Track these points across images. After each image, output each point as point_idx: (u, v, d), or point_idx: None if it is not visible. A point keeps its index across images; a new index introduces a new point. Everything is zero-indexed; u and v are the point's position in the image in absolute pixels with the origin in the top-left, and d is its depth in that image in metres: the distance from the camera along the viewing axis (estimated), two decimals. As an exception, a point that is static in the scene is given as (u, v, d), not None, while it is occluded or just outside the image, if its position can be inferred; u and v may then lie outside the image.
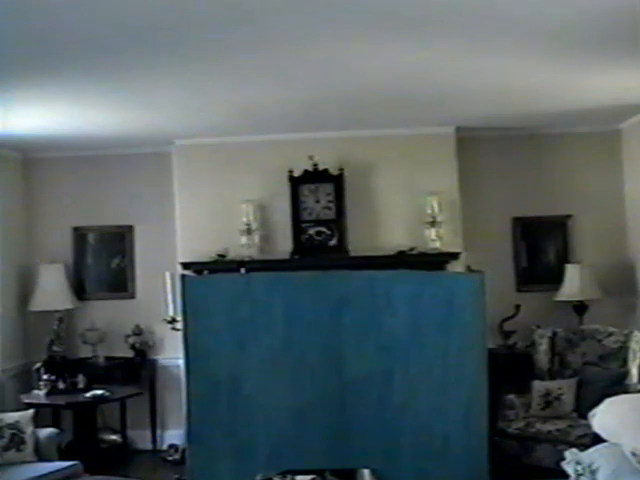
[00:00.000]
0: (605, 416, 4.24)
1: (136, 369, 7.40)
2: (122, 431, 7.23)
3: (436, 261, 6.85)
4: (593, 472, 3.78)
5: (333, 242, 7.14)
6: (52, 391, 6.64)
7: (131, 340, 7.44)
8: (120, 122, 6.36)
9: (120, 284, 7.70)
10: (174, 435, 7.14)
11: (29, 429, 5.48)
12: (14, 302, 7.41)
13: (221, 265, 6.94)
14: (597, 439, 4.23)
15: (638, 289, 7.14)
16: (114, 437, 7.29)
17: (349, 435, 3.85)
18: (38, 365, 7.09)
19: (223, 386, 3.86)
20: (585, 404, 5.52)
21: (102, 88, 5.19)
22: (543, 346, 6.65)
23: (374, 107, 6.23)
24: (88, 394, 6.58)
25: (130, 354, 7.45)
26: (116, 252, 7.73)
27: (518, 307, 7.13)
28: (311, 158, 7.04)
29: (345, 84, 5.36)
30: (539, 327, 6.86)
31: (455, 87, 5.57)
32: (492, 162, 7.45)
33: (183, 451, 6.29)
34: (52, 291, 7.31)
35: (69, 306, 7.41)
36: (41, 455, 5.47)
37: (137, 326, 7.46)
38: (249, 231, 7.03)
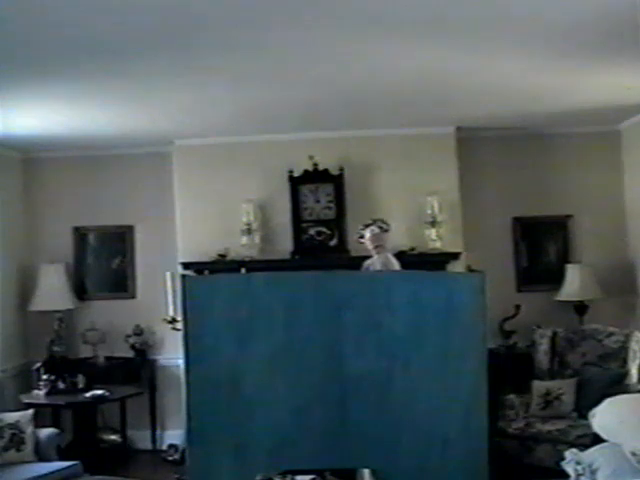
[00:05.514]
0: (605, 416, 4.25)
1: (136, 369, 7.40)
2: (122, 431, 7.23)
3: (436, 261, 6.85)
4: (593, 472, 3.79)
5: (333, 242, 7.15)
6: (52, 391, 6.64)
7: (131, 340, 7.44)
8: (120, 122, 6.36)
9: (120, 284, 7.70)
10: (174, 435, 7.14)
11: (29, 429, 5.49)
12: (14, 302, 7.40)
13: (221, 265, 6.95)
14: (597, 439, 4.25)
15: (638, 289, 7.15)
16: (114, 437, 7.29)
17: (349, 435, 3.85)
18: (38, 365, 7.10)
19: (223, 386, 3.86)
20: (585, 404, 5.52)
21: (102, 88, 5.18)
22: (543, 346, 6.65)
23: (374, 107, 6.23)
24: (88, 394, 6.58)
25: (130, 354, 7.45)
26: (116, 252, 7.73)
27: (518, 307, 7.14)
28: (311, 158, 7.04)
29: (345, 84, 5.36)
30: (539, 327, 6.86)
31: (455, 87, 5.57)
32: (492, 162, 7.45)
33: (183, 451, 6.29)
34: (52, 291, 7.31)
35: (69, 306, 7.40)
36: (41, 455, 5.48)
37: (137, 326, 7.45)
38: (249, 231, 7.03)
